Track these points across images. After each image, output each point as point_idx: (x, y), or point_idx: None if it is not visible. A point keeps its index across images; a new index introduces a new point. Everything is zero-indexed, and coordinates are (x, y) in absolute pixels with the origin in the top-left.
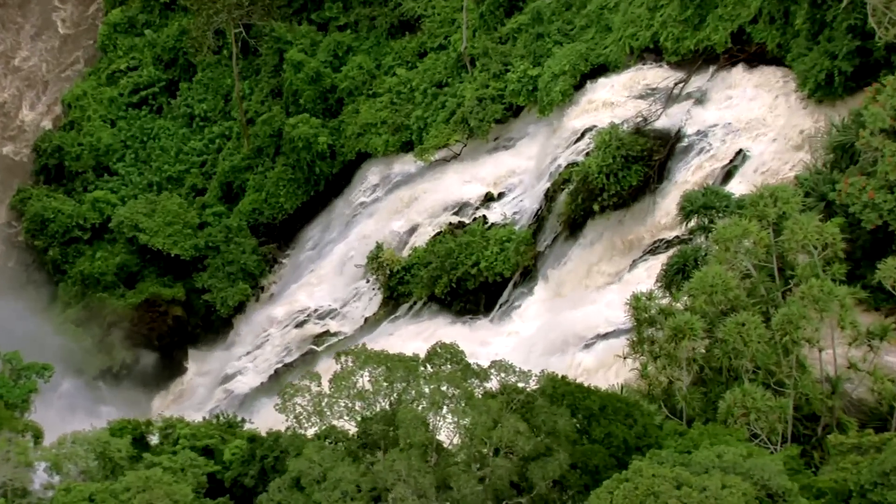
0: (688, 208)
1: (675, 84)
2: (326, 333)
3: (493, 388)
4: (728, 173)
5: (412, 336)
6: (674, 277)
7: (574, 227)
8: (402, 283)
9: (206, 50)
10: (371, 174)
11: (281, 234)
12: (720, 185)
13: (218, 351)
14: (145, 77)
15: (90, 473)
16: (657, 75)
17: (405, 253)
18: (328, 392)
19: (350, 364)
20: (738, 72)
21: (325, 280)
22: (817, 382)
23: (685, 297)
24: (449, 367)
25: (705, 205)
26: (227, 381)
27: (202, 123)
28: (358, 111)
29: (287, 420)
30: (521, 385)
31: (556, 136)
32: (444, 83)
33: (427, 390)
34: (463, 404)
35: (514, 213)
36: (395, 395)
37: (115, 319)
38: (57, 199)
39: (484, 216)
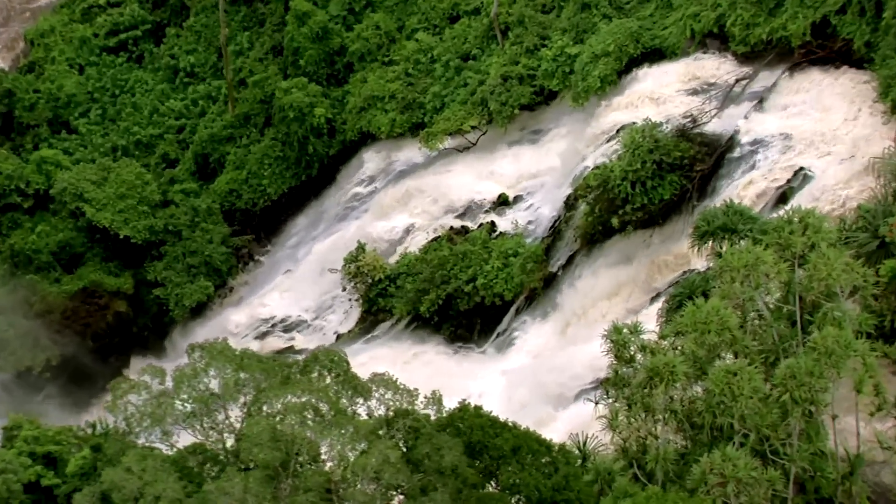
0: (703, 228)
1: (737, 80)
2: (290, 350)
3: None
4: (783, 195)
5: (387, 361)
6: (676, 312)
7: (593, 244)
8: (383, 296)
9: None
10: (371, 160)
11: (261, 224)
12: (773, 209)
13: (166, 361)
14: (127, 16)
15: None
16: (718, 67)
17: (395, 258)
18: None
19: (202, 362)
20: (814, 72)
21: (299, 284)
22: (833, 458)
23: (673, 335)
24: (329, 378)
25: (724, 226)
26: None
27: (187, 80)
28: (367, 80)
29: (116, 421)
30: (406, 407)
31: (589, 132)
32: (471, 55)
33: (286, 401)
34: (322, 421)
35: (529, 221)
36: (256, 404)
37: (43, 309)
38: None
39: (492, 222)
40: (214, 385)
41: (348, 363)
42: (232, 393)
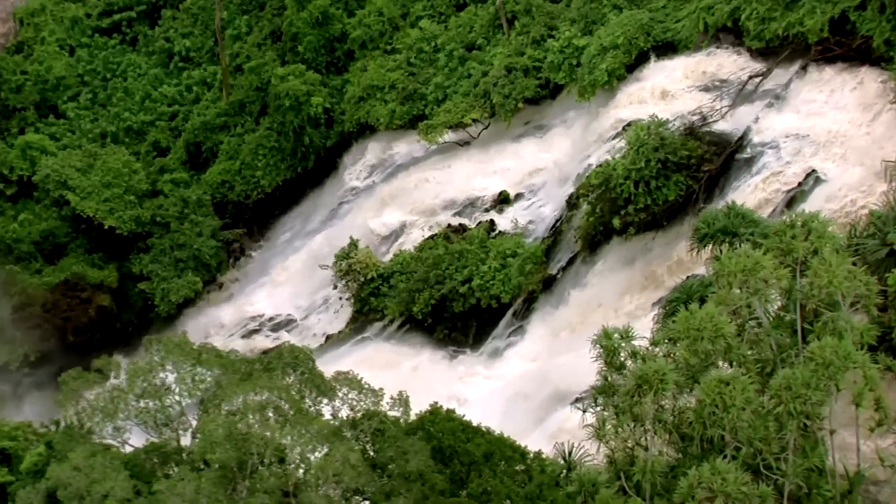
0: (703, 231)
1: (751, 77)
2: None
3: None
4: (793, 199)
5: (376, 364)
6: (672, 318)
7: (594, 246)
8: (375, 295)
9: None
10: (369, 152)
11: (254, 218)
12: (783, 213)
13: None
14: None
15: None
16: (731, 63)
17: (389, 256)
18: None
19: (158, 356)
20: (831, 70)
21: (289, 281)
22: (832, 475)
23: (666, 342)
24: (293, 376)
25: (725, 229)
26: None
27: (182, 64)
28: (367, 69)
29: (66, 415)
30: (372, 408)
31: (594, 128)
32: (476, 45)
33: (245, 398)
34: (283, 421)
35: (530, 221)
36: (213, 401)
37: (23, 301)
38: None
39: (491, 221)
40: (171, 380)
41: (313, 361)
42: (189, 389)
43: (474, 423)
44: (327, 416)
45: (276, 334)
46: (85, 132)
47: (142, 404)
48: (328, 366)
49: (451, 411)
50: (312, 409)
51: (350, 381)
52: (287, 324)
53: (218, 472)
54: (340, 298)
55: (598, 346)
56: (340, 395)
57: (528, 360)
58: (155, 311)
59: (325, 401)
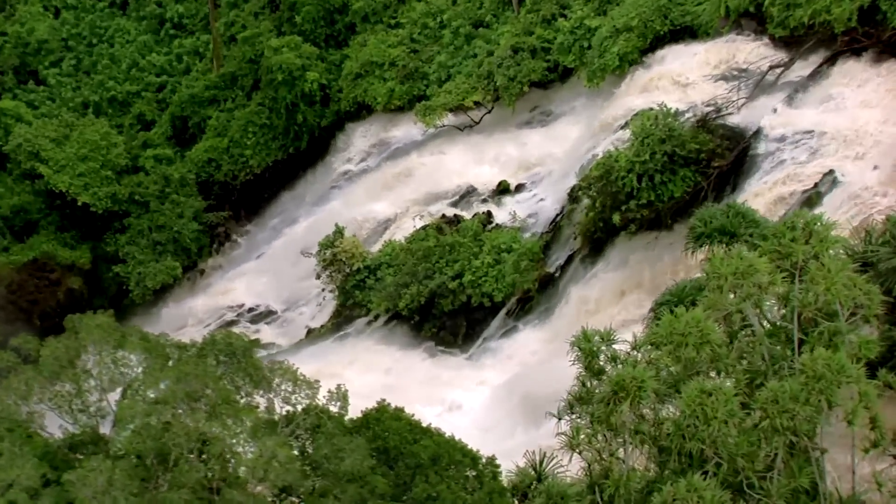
0: (699, 230)
1: (771, 67)
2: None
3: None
4: (808, 200)
5: (354, 362)
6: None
7: (595, 244)
8: (361, 288)
9: None
10: (364, 134)
11: (241, 200)
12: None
13: None
14: None
15: None
16: (752, 52)
17: (377, 246)
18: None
19: (78, 336)
20: (857, 63)
21: (272, 270)
22: (827, 498)
23: (648, 347)
24: (229, 364)
25: (723, 229)
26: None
27: (173, 32)
28: (367, 44)
29: None
30: (307, 401)
31: (603, 117)
32: (483, 23)
33: (170, 386)
34: (212, 412)
35: (529, 214)
36: (134, 387)
37: None
38: None
39: (488, 212)
40: (91, 363)
41: (250, 349)
42: (111, 373)
43: (458, 429)
44: (262, 408)
45: (255, 326)
46: (66, 101)
47: (57, 387)
48: (306, 363)
49: (399, 409)
50: (245, 400)
51: (285, 371)
52: (267, 315)
53: (133, 463)
54: (324, 290)
55: (576, 348)
56: (274, 385)
57: (521, 364)
58: (130, 297)
59: (261, 392)
